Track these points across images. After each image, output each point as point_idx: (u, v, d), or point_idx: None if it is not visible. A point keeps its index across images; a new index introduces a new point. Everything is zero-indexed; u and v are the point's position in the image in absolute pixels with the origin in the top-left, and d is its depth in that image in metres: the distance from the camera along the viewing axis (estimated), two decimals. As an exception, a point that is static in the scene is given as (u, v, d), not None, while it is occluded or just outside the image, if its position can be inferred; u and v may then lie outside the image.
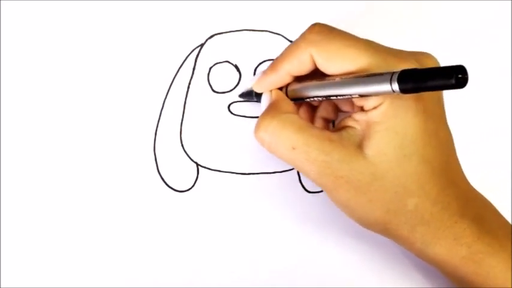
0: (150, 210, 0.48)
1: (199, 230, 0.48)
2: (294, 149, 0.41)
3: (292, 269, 0.48)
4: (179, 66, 0.50)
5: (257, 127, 0.43)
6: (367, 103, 0.40)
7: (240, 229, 0.48)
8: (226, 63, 0.50)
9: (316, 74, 0.43)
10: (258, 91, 0.46)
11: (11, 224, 0.47)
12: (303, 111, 0.47)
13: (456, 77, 0.34)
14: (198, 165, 0.49)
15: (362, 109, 0.41)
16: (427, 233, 0.41)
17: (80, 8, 0.50)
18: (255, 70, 0.50)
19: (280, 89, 0.45)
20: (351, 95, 0.40)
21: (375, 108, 0.40)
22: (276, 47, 0.46)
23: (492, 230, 0.42)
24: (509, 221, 0.44)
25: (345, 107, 0.45)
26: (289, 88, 0.45)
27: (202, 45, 0.50)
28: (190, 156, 0.49)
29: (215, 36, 0.50)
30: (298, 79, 0.44)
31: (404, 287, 0.47)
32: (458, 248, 0.41)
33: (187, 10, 0.50)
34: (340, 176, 0.41)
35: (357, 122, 0.41)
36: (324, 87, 0.42)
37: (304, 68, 0.43)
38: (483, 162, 0.50)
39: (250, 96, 0.47)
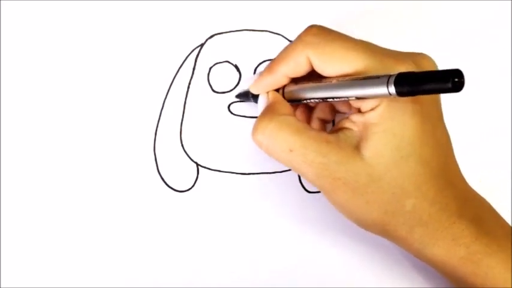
0: (150, 210, 0.48)
1: (199, 230, 0.48)
2: (291, 151, 0.41)
3: (292, 269, 0.48)
4: (179, 66, 0.50)
5: (254, 129, 0.43)
6: (364, 105, 0.41)
7: (240, 229, 0.48)
8: (226, 63, 0.50)
9: (312, 76, 0.43)
10: (255, 92, 0.46)
11: (11, 224, 0.47)
12: (299, 112, 0.47)
13: (453, 80, 0.34)
14: (198, 165, 0.49)
15: (359, 111, 0.41)
16: (425, 233, 0.41)
17: (80, 8, 0.50)
18: (255, 70, 0.50)
19: (277, 90, 0.45)
20: (347, 97, 0.40)
21: (372, 109, 0.40)
22: (276, 47, 0.46)
23: (490, 230, 0.42)
24: (509, 222, 0.44)
25: (342, 108, 0.45)
26: (286, 89, 0.45)
27: (202, 45, 0.50)
28: (190, 156, 0.49)
29: (215, 36, 0.50)
30: (295, 80, 0.44)
31: (403, 287, 0.47)
32: (456, 248, 0.41)
33: (187, 10, 0.50)
34: (337, 177, 0.41)
35: (354, 123, 0.41)
36: (320, 89, 0.42)
37: (301, 70, 0.43)
38: (483, 163, 0.50)
39: (247, 97, 0.47)
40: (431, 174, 0.41)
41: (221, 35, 0.50)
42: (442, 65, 0.44)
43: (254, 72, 0.50)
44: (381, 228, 0.42)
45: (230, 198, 0.49)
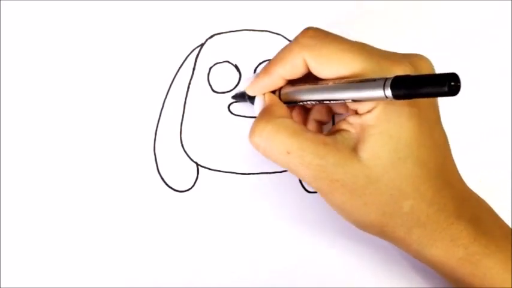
0: (150, 210, 0.48)
1: (199, 230, 0.48)
2: (288, 153, 0.41)
3: (292, 269, 0.48)
4: (179, 66, 0.50)
5: (252, 132, 0.43)
6: (361, 107, 0.40)
7: (240, 229, 0.48)
8: (226, 63, 0.50)
9: (309, 78, 0.43)
10: (251, 94, 0.46)
11: (11, 224, 0.47)
12: (296, 113, 0.47)
13: (449, 84, 0.34)
14: (198, 165, 0.49)
15: (356, 112, 0.41)
16: (424, 234, 0.41)
17: (80, 8, 0.50)
18: (255, 70, 0.50)
19: (274, 92, 0.45)
20: (344, 99, 0.40)
21: (369, 111, 0.40)
22: (276, 47, 0.46)
23: (489, 231, 0.42)
24: (509, 222, 0.44)
25: (338, 110, 0.45)
26: (283, 91, 0.45)
27: (202, 45, 0.50)
28: (190, 156, 0.49)
29: (215, 36, 0.50)
30: (292, 82, 0.44)
31: (402, 287, 0.47)
32: (455, 249, 0.41)
33: (187, 10, 0.50)
34: (335, 179, 0.41)
35: (351, 125, 0.41)
36: (317, 91, 0.42)
37: (298, 72, 0.43)
38: (483, 163, 0.50)
39: (243, 98, 0.47)
40: (429, 176, 0.41)
41: (221, 35, 0.50)
42: (442, 65, 0.44)
43: (254, 72, 0.50)
44: (379, 230, 0.42)
45: (230, 198, 0.49)
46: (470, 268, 0.41)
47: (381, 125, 0.40)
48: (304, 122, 0.47)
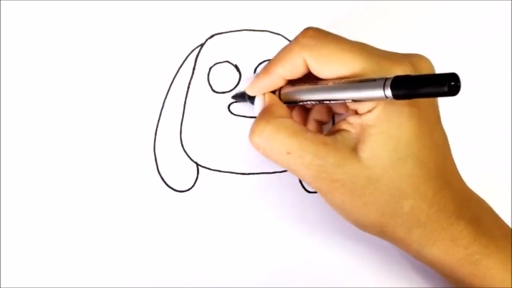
0: (150, 210, 0.48)
1: (199, 230, 0.48)
2: (288, 153, 0.41)
3: (292, 269, 0.48)
4: (179, 66, 0.50)
5: (252, 132, 0.43)
6: (361, 107, 0.40)
7: (240, 229, 0.48)
8: (226, 63, 0.50)
9: (309, 78, 0.43)
10: (251, 94, 0.46)
11: (11, 224, 0.47)
12: (296, 113, 0.47)
13: (449, 84, 0.34)
14: (198, 165, 0.49)
15: (356, 112, 0.41)
16: (424, 235, 0.41)
17: (80, 8, 0.50)
18: (255, 70, 0.50)
19: (274, 92, 0.45)
20: (344, 99, 0.40)
21: (369, 111, 0.40)
22: (276, 47, 0.46)
23: (489, 231, 0.42)
24: (509, 222, 0.44)
25: (338, 110, 0.45)
26: (283, 91, 0.45)
27: (202, 45, 0.50)
28: (190, 156, 0.49)
29: (215, 36, 0.50)
30: (292, 82, 0.44)
31: (402, 287, 0.47)
32: (455, 249, 0.41)
33: (187, 10, 0.50)
34: (335, 179, 0.41)
35: (351, 125, 0.41)
36: (317, 91, 0.42)
37: (297, 72, 0.43)
38: (483, 163, 0.50)
39: (243, 98, 0.47)
40: (429, 176, 0.41)
41: (221, 35, 0.50)
42: (442, 65, 0.45)
43: (254, 72, 0.50)
44: (379, 230, 0.42)
45: (230, 198, 0.49)
46: (470, 268, 0.41)
47: (381, 125, 0.40)
48: (304, 121, 0.47)
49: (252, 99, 0.46)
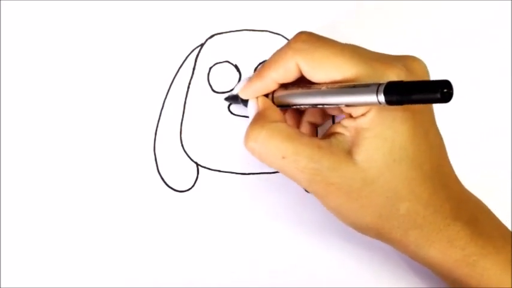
0: (150, 210, 0.48)
1: (199, 230, 0.48)
2: (283, 158, 0.41)
3: (291, 269, 0.48)
4: (179, 66, 0.50)
5: (247, 137, 0.42)
6: (355, 110, 0.40)
7: (240, 229, 0.48)
8: (226, 63, 0.50)
9: (302, 81, 0.43)
10: (244, 98, 0.45)
11: (11, 224, 0.47)
12: (289, 116, 0.47)
13: (441, 91, 0.35)
14: (198, 165, 0.49)
15: (350, 116, 0.41)
16: (420, 236, 0.41)
17: (80, 8, 0.50)
18: (255, 70, 0.50)
19: (267, 95, 0.45)
20: (337, 104, 0.40)
21: (363, 115, 0.40)
22: (276, 47, 0.46)
23: (486, 231, 0.42)
24: (509, 222, 0.44)
25: (333, 112, 0.45)
26: (276, 95, 0.44)
27: (202, 45, 0.50)
28: (190, 156, 0.49)
29: (215, 36, 0.50)
30: (285, 86, 0.44)
31: (400, 287, 0.47)
32: (452, 250, 0.41)
33: (187, 10, 0.50)
34: (330, 182, 0.41)
35: (345, 128, 0.41)
36: (310, 95, 0.42)
37: (290, 76, 0.43)
38: (483, 163, 0.50)
39: (236, 100, 0.47)
40: (424, 177, 0.41)
41: (221, 35, 0.50)
42: (442, 65, 0.45)
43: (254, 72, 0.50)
44: (375, 232, 0.42)
45: (230, 198, 0.49)
46: (467, 269, 0.41)
47: (375, 128, 0.40)
48: (298, 124, 0.47)
49: (245, 101, 0.46)
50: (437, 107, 0.43)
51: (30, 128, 0.48)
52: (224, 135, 0.49)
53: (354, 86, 0.39)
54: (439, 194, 0.41)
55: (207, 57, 0.50)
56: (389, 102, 0.37)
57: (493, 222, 0.44)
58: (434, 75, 0.43)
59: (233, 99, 0.48)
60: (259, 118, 0.43)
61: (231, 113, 0.49)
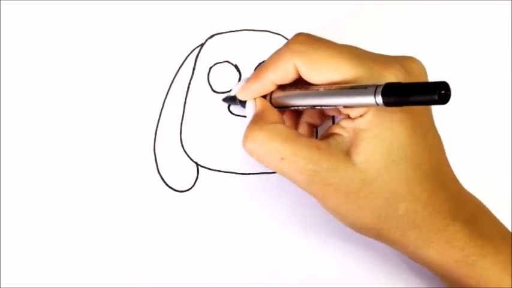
0: (150, 210, 0.48)
1: (199, 230, 0.48)
2: (282, 159, 0.41)
3: (291, 269, 0.48)
4: (179, 66, 0.50)
5: (245, 138, 0.42)
6: (353, 111, 0.40)
7: (240, 229, 0.48)
8: (226, 63, 0.50)
9: (300, 82, 0.43)
10: (242, 99, 0.45)
11: (11, 224, 0.47)
12: (287, 116, 0.46)
13: (439, 93, 0.35)
14: (198, 165, 0.49)
15: (349, 116, 0.41)
16: (419, 236, 0.41)
17: (80, 8, 0.50)
18: (255, 70, 0.50)
19: (264, 96, 0.45)
20: (335, 105, 0.40)
21: (361, 116, 0.40)
22: (275, 47, 0.46)
23: (485, 232, 0.42)
24: (509, 222, 0.44)
25: (331, 113, 0.45)
26: (274, 96, 0.44)
27: (202, 45, 0.50)
28: (190, 156, 0.49)
29: (215, 36, 0.50)
30: (282, 87, 0.44)
31: (400, 287, 0.47)
32: (451, 250, 0.41)
33: (187, 10, 0.50)
34: (329, 183, 0.41)
35: (344, 129, 0.41)
36: (308, 97, 0.42)
37: (288, 77, 0.43)
38: (483, 163, 0.50)
39: (234, 101, 0.47)
40: (423, 178, 0.41)
41: (221, 35, 0.50)
42: (442, 65, 0.45)
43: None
44: (374, 232, 0.42)
45: (230, 198, 0.49)
46: (466, 269, 0.41)
47: (373, 129, 0.40)
48: (296, 124, 0.47)
49: (243, 103, 0.46)
50: (437, 107, 0.43)
51: (30, 128, 0.49)
52: (224, 135, 0.49)
53: (352, 88, 0.39)
54: (437, 194, 0.41)
55: (207, 57, 0.50)
56: (387, 103, 0.37)
57: (492, 223, 0.43)
58: (434, 76, 0.43)
59: (231, 100, 0.48)
60: (257, 119, 0.43)
61: (231, 113, 0.49)
